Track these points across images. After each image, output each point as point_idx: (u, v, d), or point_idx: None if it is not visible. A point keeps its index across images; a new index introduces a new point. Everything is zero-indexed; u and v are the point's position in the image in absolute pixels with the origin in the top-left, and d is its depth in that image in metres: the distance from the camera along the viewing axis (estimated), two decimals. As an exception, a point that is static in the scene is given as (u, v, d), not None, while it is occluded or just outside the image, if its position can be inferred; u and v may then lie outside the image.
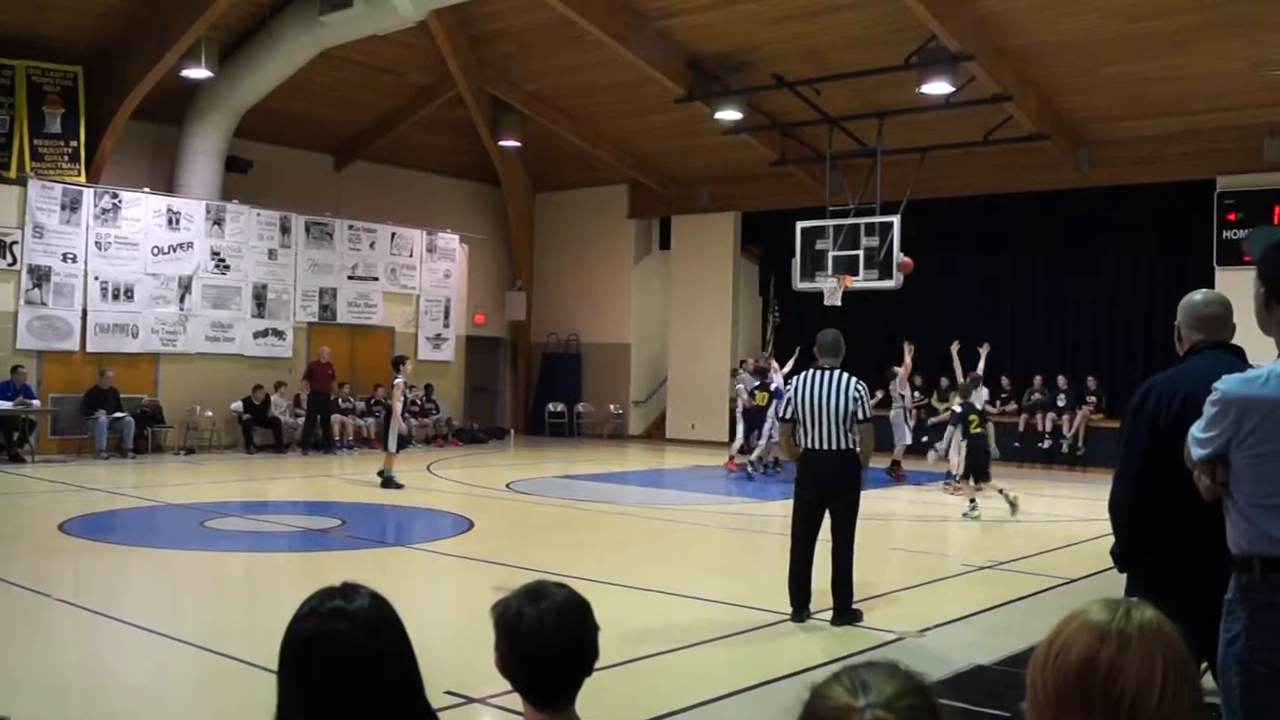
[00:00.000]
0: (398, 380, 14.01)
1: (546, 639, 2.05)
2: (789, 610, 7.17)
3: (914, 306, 21.12)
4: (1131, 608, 1.42)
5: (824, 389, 7.01)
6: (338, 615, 1.76)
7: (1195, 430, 2.98)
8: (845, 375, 7.10)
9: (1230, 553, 2.95)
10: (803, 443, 7.08)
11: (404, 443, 13.97)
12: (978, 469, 12.91)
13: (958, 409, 13.62)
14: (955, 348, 15.48)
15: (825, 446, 7.01)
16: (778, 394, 15.64)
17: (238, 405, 18.62)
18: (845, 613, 7.07)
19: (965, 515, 12.45)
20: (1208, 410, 2.92)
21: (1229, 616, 2.89)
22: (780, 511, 13.25)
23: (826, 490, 7.10)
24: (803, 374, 7.21)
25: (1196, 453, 2.96)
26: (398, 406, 13.85)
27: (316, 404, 19.04)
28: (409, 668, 1.83)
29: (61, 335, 17.15)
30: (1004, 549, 10.61)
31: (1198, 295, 3.61)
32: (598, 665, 2.18)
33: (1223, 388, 2.90)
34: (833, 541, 7.12)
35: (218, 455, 18.02)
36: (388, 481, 13.68)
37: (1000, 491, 12.72)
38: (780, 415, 7.37)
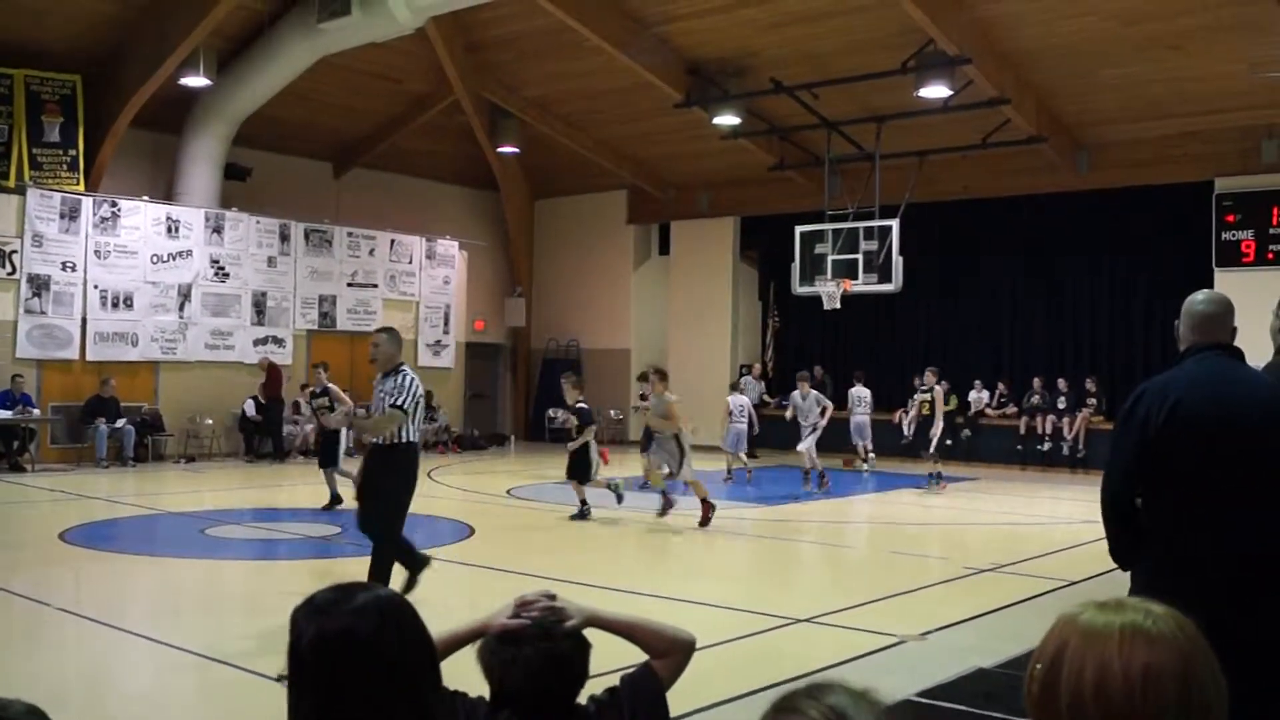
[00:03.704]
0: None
1: (530, 694, 2.09)
2: (784, 614, 7.15)
3: (913, 309, 21.15)
4: (1148, 605, 1.39)
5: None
6: (353, 613, 1.72)
7: None
8: None
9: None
10: (413, 437, 7.74)
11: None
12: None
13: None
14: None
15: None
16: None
17: (249, 404, 18.54)
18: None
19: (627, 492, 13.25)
20: None
21: None
22: (780, 516, 13.26)
23: None
24: (412, 373, 7.73)
25: None
26: None
27: (269, 412, 18.65)
28: (429, 659, 1.79)
29: (61, 344, 17.15)
30: (1005, 552, 10.60)
31: (1198, 295, 3.60)
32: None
33: None
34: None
35: (218, 463, 18.01)
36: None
37: (647, 483, 13.50)
38: (404, 404, 7.63)
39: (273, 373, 18.81)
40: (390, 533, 7.59)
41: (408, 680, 1.71)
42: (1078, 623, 1.36)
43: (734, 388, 18.16)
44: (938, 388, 15.84)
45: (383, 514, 7.60)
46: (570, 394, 12.73)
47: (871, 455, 18.23)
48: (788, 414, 16.42)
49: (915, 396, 16.26)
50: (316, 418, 12.85)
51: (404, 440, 7.59)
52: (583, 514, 12.22)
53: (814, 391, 16.10)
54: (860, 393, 18.14)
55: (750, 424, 16.98)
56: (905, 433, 16.86)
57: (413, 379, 7.63)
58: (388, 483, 7.61)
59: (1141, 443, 3.26)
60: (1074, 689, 1.32)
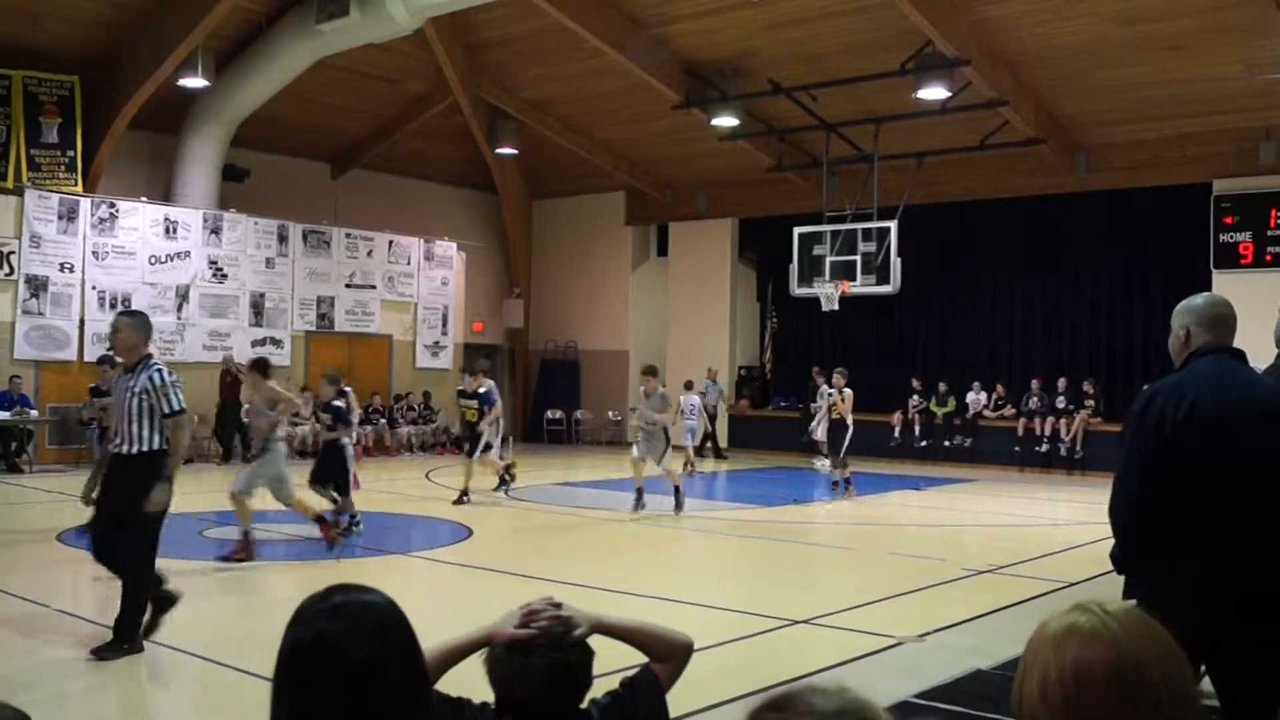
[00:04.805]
0: None
1: (538, 702, 2.10)
2: (782, 616, 7.13)
3: (913, 311, 21.16)
4: (1098, 606, 1.39)
5: None
6: (325, 617, 1.67)
7: None
8: None
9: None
10: (162, 443, 6.45)
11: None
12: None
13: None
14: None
15: None
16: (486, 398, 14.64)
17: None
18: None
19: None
20: None
21: None
22: (778, 517, 13.24)
23: None
24: (164, 366, 6.53)
25: None
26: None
27: (227, 414, 18.24)
28: (415, 667, 1.75)
29: (59, 345, 17.14)
30: (1004, 553, 10.60)
31: (1200, 298, 3.59)
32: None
33: None
34: None
35: (216, 464, 17.97)
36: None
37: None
38: (183, 406, 6.49)
39: (224, 376, 18.42)
40: (150, 563, 6.54)
41: (386, 686, 1.66)
42: (1043, 630, 1.39)
43: (688, 387, 19.04)
44: (847, 390, 14.76)
45: (144, 541, 6.47)
46: (325, 391, 11.91)
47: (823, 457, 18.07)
48: (687, 421, 16.14)
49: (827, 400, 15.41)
50: (99, 419, 12.49)
51: (155, 447, 6.38)
52: (350, 526, 10.99)
53: (698, 398, 15.81)
54: (825, 391, 17.90)
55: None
56: (816, 435, 16.86)
57: (173, 375, 6.43)
58: (147, 500, 6.30)
59: (1158, 443, 3.25)
60: (1028, 694, 1.36)
